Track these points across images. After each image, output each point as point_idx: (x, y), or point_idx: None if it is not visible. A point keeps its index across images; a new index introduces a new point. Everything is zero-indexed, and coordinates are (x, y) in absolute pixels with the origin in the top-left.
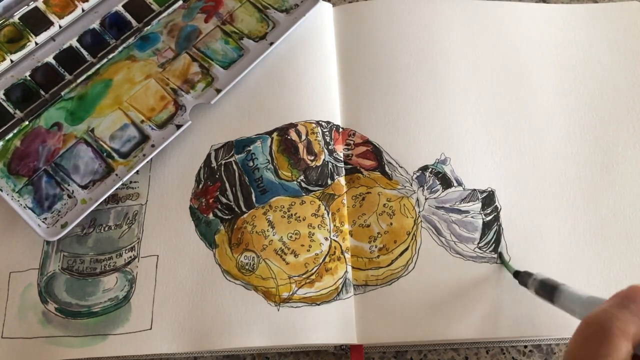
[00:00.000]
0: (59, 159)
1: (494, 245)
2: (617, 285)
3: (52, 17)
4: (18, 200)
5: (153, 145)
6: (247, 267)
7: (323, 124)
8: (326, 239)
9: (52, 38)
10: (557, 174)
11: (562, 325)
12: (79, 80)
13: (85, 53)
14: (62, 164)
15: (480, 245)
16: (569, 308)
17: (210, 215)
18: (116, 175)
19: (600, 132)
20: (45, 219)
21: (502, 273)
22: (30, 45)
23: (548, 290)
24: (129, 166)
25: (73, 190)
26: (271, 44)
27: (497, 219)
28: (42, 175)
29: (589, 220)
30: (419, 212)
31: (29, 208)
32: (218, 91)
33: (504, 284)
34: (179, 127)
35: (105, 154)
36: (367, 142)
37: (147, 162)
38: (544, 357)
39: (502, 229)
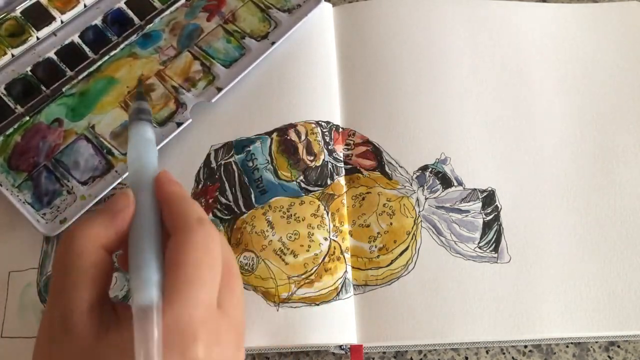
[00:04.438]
0: (59, 155)
1: (494, 244)
2: (617, 284)
3: (54, 12)
4: (17, 196)
5: None
6: (246, 267)
7: (323, 124)
8: (325, 239)
9: (54, 33)
10: (557, 173)
11: (562, 325)
12: (80, 77)
13: (86, 49)
14: (62, 159)
15: (480, 244)
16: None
17: (210, 216)
18: (116, 172)
19: (600, 132)
20: (45, 214)
21: (503, 273)
22: (32, 40)
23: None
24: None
25: (73, 187)
26: (273, 43)
27: (497, 218)
28: (42, 170)
29: (589, 219)
30: (419, 212)
31: (29, 203)
32: (219, 90)
33: (504, 284)
34: (179, 125)
35: (105, 151)
36: (367, 142)
37: None
38: (543, 357)
39: (503, 229)
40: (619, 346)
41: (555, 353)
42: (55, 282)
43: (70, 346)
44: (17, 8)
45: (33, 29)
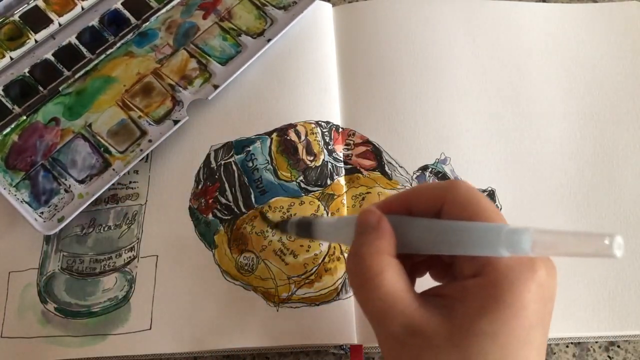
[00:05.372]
0: (57, 154)
1: None
2: (617, 284)
3: (52, 16)
4: (15, 195)
5: (150, 141)
6: (246, 267)
7: (322, 124)
8: None
9: (52, 36)
10: (557, 173)
11: (562, 325)
12: (76, 76)
13: (84, 50)
14: (59, 158)
15: None
16: (326, 236)
17: (210, 216)
18: (113, 170)
19: (600, 132)
20: (42, 213)
21: None
22: (30, 43)
23: (305, 228)
24: (126, 161)
25: (70, 185)
26: (269, 40)
27: None
28: (40, 169)
29: (589, 220)
30: None
31: (26, 202)
32: (215, 87)
33: None
34: (176, 122)
35: (102, 149)
36: (367, 142)
37: (147, 162)
38: None
39: None
40: (619, 346)
41: (555, 353)
42: (372, 308)
43: (424, 349)
44: (15, 12)
45: (31, 32)
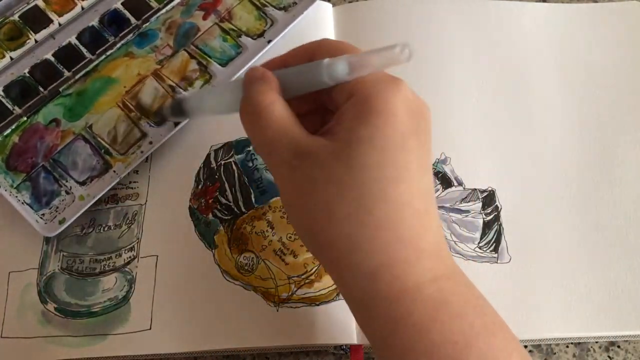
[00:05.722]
0: (57, 155)
1: (494, 244)
2: (617, 284)
3: (52, 15)
4: (16, 196)
5: (151, 142)
6: (246, 267)
7: None
8: None
9: (52, 36)
10: (557, 173)
11: (562, 325)
12: (77, 77)
13: (84, 50)
14: (60, 160)
15: (480, 245)
16: (204, 108)
17: (210, 216)
18: (114, 172)
19: (600, 132)
20: (43, 214)
21: (503, 273)
22: (30, 43)
23: (177, 107)
24: (126, 163)
25: (71, 187)
26: (269, 41)
27: (497, 218)
28: (40, 171)
29: (590, 219)
30: None
31: (27, 204)
32: None
33: (504, 284)
34: (176, 124)
35: (103, 151)
36: None
37: (147, 162)
38: (543, 357)
39: (503, 229)
40: (619, 346)
41: (555, 353)
42: (264, 138)
43: (312, 167)
44: (15, 12)
45: (31, 32)
